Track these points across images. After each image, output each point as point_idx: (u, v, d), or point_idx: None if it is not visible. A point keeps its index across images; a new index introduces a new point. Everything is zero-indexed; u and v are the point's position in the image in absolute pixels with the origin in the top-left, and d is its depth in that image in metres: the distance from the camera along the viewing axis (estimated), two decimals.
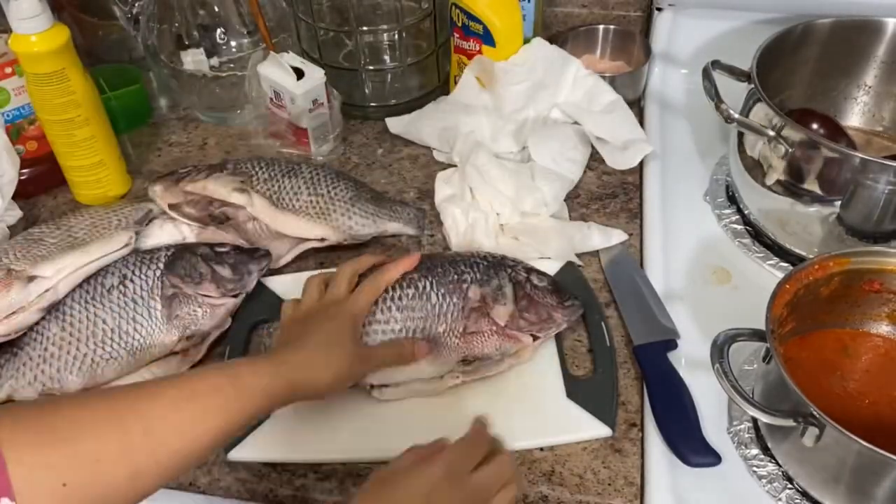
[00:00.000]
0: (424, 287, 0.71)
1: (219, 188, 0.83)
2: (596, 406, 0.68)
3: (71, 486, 0.46)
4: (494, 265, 0.74)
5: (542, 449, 0.67)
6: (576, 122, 0.95)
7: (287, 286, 0.80)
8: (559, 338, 0.74)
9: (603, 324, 0.75)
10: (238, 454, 0.68)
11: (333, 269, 0.73)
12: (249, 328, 0.78)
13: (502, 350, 0.71)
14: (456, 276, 0.72)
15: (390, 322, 0.70)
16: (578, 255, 0.82)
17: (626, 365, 0.73)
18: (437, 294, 0.71)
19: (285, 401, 0.60)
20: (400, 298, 0.71)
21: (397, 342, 0.69)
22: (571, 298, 0.73)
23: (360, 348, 0.67)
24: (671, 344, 0.73)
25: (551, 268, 0.80)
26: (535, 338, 0.71)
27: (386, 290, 0.71)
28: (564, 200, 0.89)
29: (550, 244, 0.82)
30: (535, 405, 0.69)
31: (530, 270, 0.75)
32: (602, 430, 0.67)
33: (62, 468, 0.46)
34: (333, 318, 0.66)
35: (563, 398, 0.69)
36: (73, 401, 0.53)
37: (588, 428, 0.67)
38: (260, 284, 0.80)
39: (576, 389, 0.70)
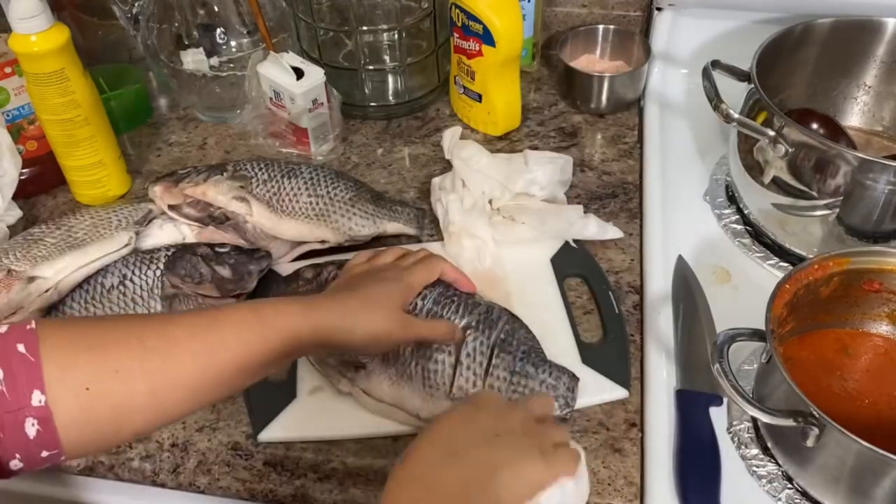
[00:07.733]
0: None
1: (218, 196, 0.83)
2: (610, 369, 0.71)
3: (94, 390, 0.50)
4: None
5: None
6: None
7: None
8: (569, 309, 0.77)
9: (610, 293, 0.78)
10: (268, 435, 0.69)
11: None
12: None
13: None
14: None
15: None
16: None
17: (631, 337, 0.75)
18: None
19: (313, 346, 0.60)
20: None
21: (440, 322, 0.70)
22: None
23: (403, 315, 0.67)
24: (716, 400, 0.68)
25: (549, 248, 0.82)
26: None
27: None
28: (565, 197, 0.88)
29: (546, 224, 0.82)
30: None
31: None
32: (619, 392, 0.70)
33: (86, 372, 0.50)
34: (387, 281, 0.68)
35: (578, 364, 0.72)
36: (110, 318, 0.61)
37: (605, 391, 0.70)
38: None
39: (590, 355, 0.73)
